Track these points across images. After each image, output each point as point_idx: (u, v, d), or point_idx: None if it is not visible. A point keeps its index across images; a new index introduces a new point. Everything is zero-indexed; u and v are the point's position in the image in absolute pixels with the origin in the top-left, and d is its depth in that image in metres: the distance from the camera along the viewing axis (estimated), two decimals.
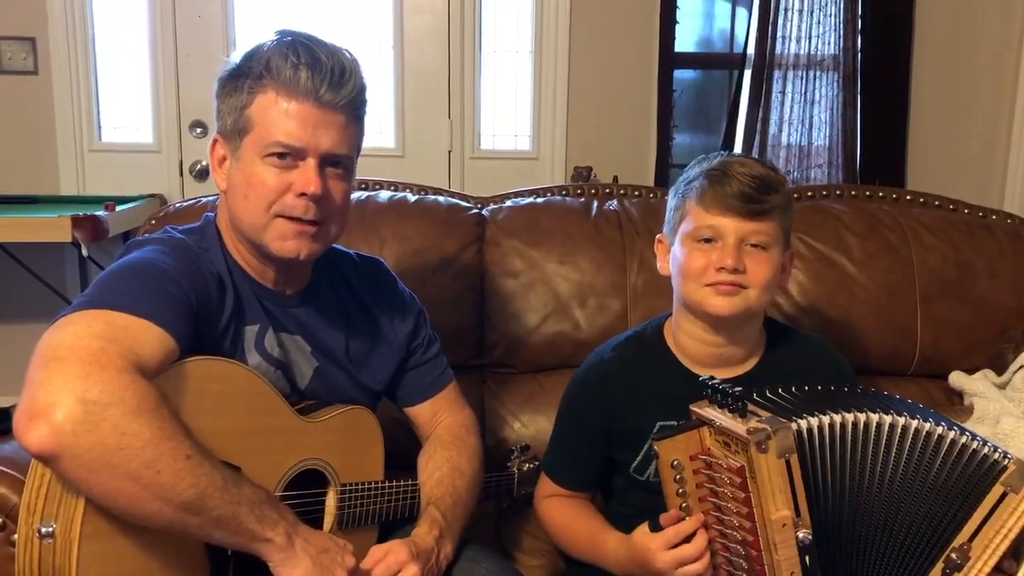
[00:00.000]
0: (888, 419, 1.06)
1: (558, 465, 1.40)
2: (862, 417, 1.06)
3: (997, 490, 1.03)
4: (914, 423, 1.06)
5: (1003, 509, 1.03)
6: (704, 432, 1.07)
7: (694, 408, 1.08)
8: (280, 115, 1.08)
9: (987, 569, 1.03)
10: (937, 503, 1.06)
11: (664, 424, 1.25)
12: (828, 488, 1.05)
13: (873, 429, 1.06)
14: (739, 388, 1.04)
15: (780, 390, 1.11)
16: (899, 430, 1.06)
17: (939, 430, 1.06)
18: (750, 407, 1.04)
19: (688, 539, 1.10)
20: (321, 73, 1.08)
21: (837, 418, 1.05)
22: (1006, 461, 1.04)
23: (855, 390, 1.17)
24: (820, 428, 1.04)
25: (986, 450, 1.05)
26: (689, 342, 1.30)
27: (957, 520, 1.05)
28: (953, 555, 1.04)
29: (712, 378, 1.07)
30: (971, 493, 1.05)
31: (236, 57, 1.13)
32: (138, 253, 1.08)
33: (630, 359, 1.34)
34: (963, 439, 1.06)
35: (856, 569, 1.08)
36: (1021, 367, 1.64)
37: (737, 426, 1.01)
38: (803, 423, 1.03)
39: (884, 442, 1.06)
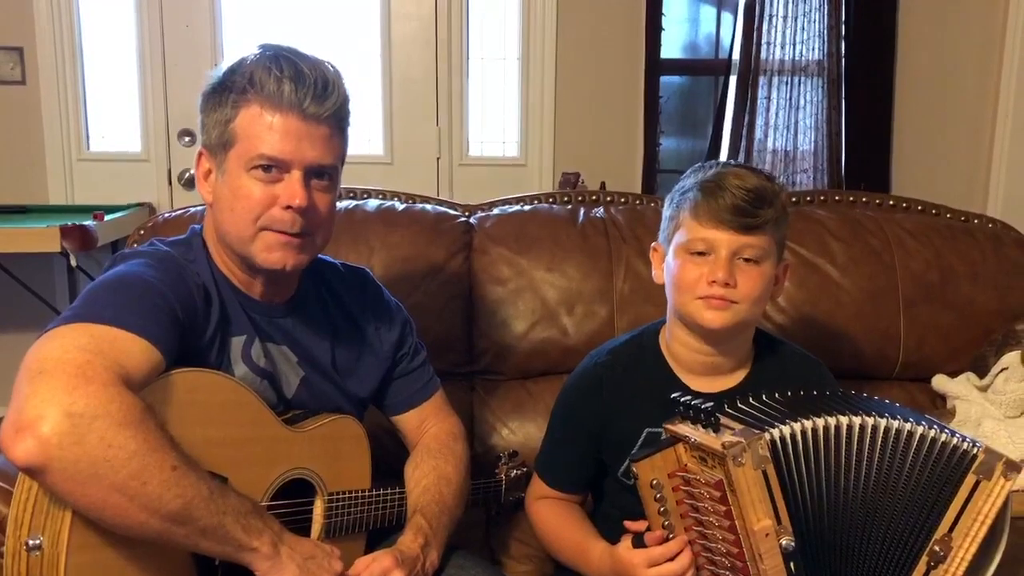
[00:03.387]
0: (858, 420, 1.08)
1: (549, 466, 1.41)
2: (832, 421, 1.07)
3: (970, 479, 1.06)
4: (883, 422, 1.08)
5: (978, 497, 1.05)
6: (680, 449, 1.08)
7: (668, 426, 1.09)
8: (265, 128, 1.09)
9: (968, 557, 1.06)
10: (914, 498, 1.08)
11: (651, 431, 1.27)
12: (806, 493, 1.06)
13: (844, 431, 1.07)
14: (710, 404, 1.05)
15: (751, 399, 1.12)
16: (869, 430, 1.08)
17: (908, 427, 1.08)
18: (722, 421, 1.05)
19: (672, 558, 1.11)
20: (305, 86, 1.09)
21: (808, 424, 1.06)
22: (975, 450, 1.07)
23: (824, 393, 1.18)
24: (792, 436, 1.05)
25: (955, 441, 1.08)
26: (681, 350, 1.31)
27: (935, 513, 1.07)
28: (936, 548, 1.07)
29: (683, 395, 1.08)
30: (946, 485, 1.07)
31: (219, 71, 1.14)
32: (124, 266, 1.08)
33: (624, 364, 1.35)
34: (932, 433, 1.08)
35: (842, 571, 1.09)
36: (1002, 370, 1.66)
37: (711, 441, 1.02)
38: (775, 432, 1.04)
39: (856, 443, 1.08)
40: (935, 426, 1.09)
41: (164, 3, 3.07)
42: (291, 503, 1.16)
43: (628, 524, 1.20)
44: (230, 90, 1.11)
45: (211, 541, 0.96)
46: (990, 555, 1.09)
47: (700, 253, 1.23)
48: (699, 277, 1.22)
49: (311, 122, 1.10)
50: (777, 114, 3.11)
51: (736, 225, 1.20)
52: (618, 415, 1.32)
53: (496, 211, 1.87)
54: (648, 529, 1.15)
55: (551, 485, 1.39)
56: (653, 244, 1.35)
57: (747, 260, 1.22)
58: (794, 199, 1.94)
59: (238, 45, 3.04)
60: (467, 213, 1.86)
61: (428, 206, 1.86)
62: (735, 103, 3.12)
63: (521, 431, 1.72)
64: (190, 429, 1.00)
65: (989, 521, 1.05)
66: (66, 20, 3.05)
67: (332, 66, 1.15)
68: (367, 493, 1.24)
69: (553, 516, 1.37)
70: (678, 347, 1.32)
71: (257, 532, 0.99)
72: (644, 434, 1.28)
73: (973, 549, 1.06)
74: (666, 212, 1.31)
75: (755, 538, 1.02)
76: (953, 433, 1.09)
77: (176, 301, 1.05)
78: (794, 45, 3.07)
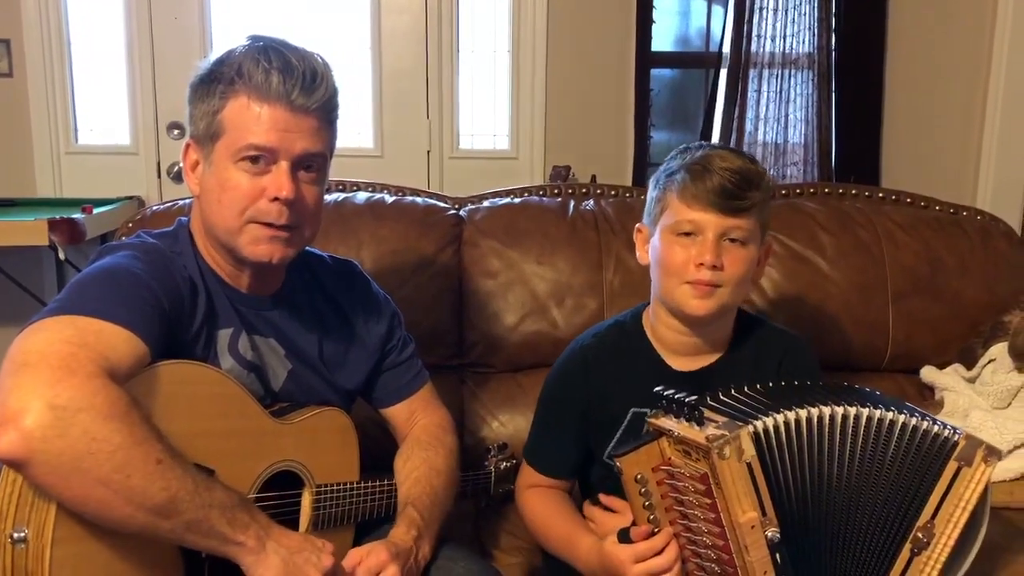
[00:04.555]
0: (840, 410, 1.08)
1: (538, 451, 1.41)
2: (815, 411, 1.08)
3: (952, 466, 1.07)
4: (865, 411, 1.09)
5: (959, 483, 1.07)
6: (664, 443, 1.08)
7: (651, 420, 1.09)
8: (252, 119, 1.09)
9: (951, 543, 1.07)
10: (897, 486, 1.09)
11: (636, 411, 1.27)
12: (790, 484, 1.07)
13: (827, 422, 1.08)
14: (694, 397, 1.05)
15: (733, 390, 1.13)
16: (851, 420, 1.08)
17: (890, 415, 1.09)
18: (706, 414, 1.05)
19: (659, 552, 1.11)
20: (293, 77, 1.09)
21: (791, 415, 1.07)
22: (956, 437, 1.08)
23: (806, 383, 1.19)
24: (776, 427, 1.06)
25: (936, 429, 1.09)
26: (665, 332, 1.32)
27: (918, 501, 1.08)
28: (919, 535, 1.08)
29: (665, 389, 1.08)
30: (928, 472, 1.08)
31: (207, 62, 1.13)
32: (110, 259, 1.08)
33: (609, 346, 1.36)
34: (913, 421, 1.09)
35: (827, 560, 1.10)
36: (990, 361, 1.67)
37: (695, 434, 1.02)
38: (759, 424, 1.05)
39: (839, 433, 1.08)
40: (916, 414, 1.10)
41: None
42: (279, 495, 1.16)
43: (602, 498, 1.22)
44: (218, 81, 1.11)
45: (196, 535, 0.96)
46: (970, 541, 1.10)
47: (687, 234, 1.23)
48: (686, 260, 1.23)
49: (299, 113, 1.10)
50: (767, 107, 3.11)
51: (724, 207, 1.21)
52: (604, 396, 1.33)
53: (486, 204, 1.87)
54: (634, 523, 1.16)
55: (539, 470, 1.40)
56: (637, 225, 1.36)
57: (733, 241, 1.23)
58: (784, 192, 1.94)
59: (227, 38, 3.02)
60: (457, 206, 1.86)
61: (418, 199, 1.86)
62: (725, 96, 3.12)
63: (511, 423, 1.73)
64: (176, 421, 1.00)
65: (971, 507, 1.07)
66: (53, 12, 3.02)
67: (321, 58, 1.15)
68: (355, 485, 1.24)
69: (542, 506, 1.37)
70: (662, 328, 1.33)
71: (243, 526, 0.99)
72: (630, 414, 1.28)
73: (955, 535, 1.07)
74: (651, 193, 1.32)
75: (741, 530, 1.02)
76: (934, 421, 1.10)
77: (162, 293, 1.05)
78: (784, 38, 3.06)
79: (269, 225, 1.11)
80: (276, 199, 1.10)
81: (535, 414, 1.44)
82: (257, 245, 1.12)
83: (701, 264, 1.21)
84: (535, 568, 1.52)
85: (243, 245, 1.12)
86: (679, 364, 1.32)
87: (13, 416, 0.85)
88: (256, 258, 1.13)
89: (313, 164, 1.14)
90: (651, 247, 1.30)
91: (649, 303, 1.37)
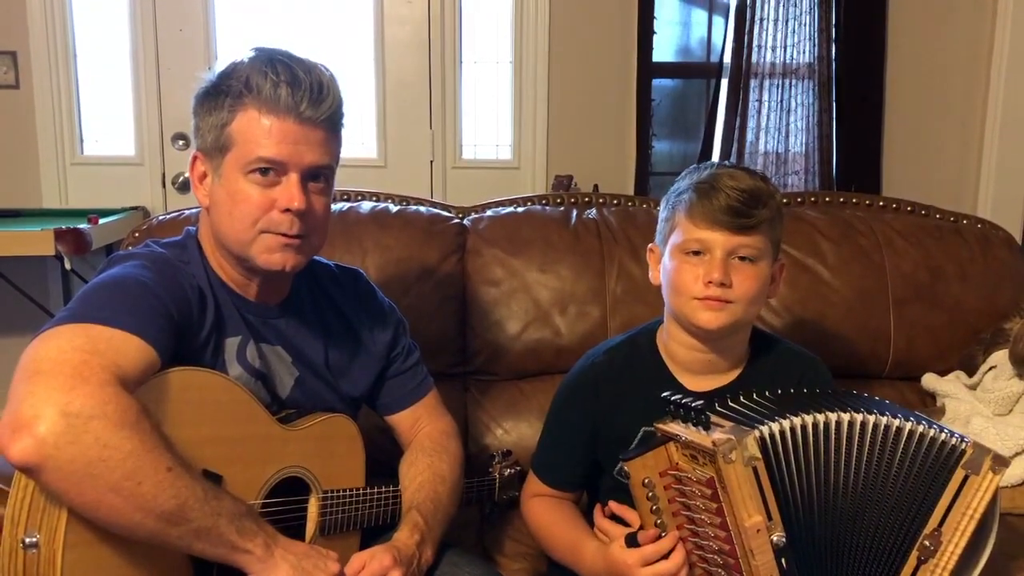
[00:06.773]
0: (847, 417, 1.09)
1: (545, 464, 1.41)
2: (821, 418, 1.08)
3: (959, 474, 1.07)
4: (872, 418, 1.09)
5: (966, 492, 1.07)
6: (671, 448, 1.08)
7: (658, 425, 1.10)
8: (262, 132, 1.10)
9: (958, 551, 1.07)
10: (903, 493, 1.09)
11: (647, 429, 1.28)
12: (796, 489, 1.07)
13: (833, 428, 1.09)
14: (700, 401, 1.06)
15: (741, 397, 1.13)
16: (858, 426, 1.09)
17: (897, 422, 1.09)
18: (712, 419, 1.05)
19: (666, 556, 1.12)
20: (301, 90, 1.10)
21: (797, 421, 1.07)
22: (964, 445, 1.08)
23: (814, 390, 1.20)
24: (782, 432, 1.06)
25: (944, 436, 1.09)
26: (678, 350, 1.32)
27: (925, 508, 1.08)
28: (926, 543, 1.08)
29: (673, 394, 1.08)
30: (935, 480, 1.08)
31: (212, 74, 1.15)
32: (119, 268, 1.09)
33: (621, 363, 1.36)
34: (920, 428, 1.09)
35: (833, 566, 1.10)
36: (991, 368, 1.67)
37: (702, 439, 1.03)
38: (765, 429, 1.05)
39: (846, 439, 1.09)
40: (924, 422, 1.10)
41: (158, 7, 3.07)
42: (285, 501, 1.17)
43: (613, 506, 1.22)
44: (226, 94, 1.12)
45: (205, 542, 0.97)
46: (980, 550, 1.10)
47: (695, 253, 1.24)
48: (695, 278, 1.23)
49: (307, 126, 1.12)
50: (768, 116, 3.12)
51: (731, 225, 1.21)
52: (614, 414, 1.32)
53: (489, 213, 1.88)
54: (641, 527, 1.16)
55: (546, 483, 1.40)
56: (650, 246, 1.36)
57: (742, 259, 1.23)
58: (785, 200, 1.95)
59: (232, 49, 3.04)
60: (460, 215, 1.87)
61: (422, 208, 1.87)
62: (727, 106, 3.13)
63: (515, 431, 1.73)
64: (184, 427, 1.01)
65: (978, 516, 1.07)
66: (59, 24, 3.05)
67: (327, 70, 1.16)
68: (361, 491, 1.25)
69: (547, 514, 1.38)
70: (675, 346, 1.33)
71: (251, 534, 1.00)
72: (640, 433, 1.29)
73: (963, 543, 1.07)
74: (662, 214, 1.33)
75: (746, 534, 1.03)
76: (941, 429, 1.10)
77: (171, 302, 1.06)
78: (785, 48, 3.08)
79: (281, 234, 1.13)
80: (287, 210, 1.12)
81: (544, 426, 1.45)
82: (271, 254, 1.14)
83: (710, 282, 1.21)
84: (539, 574, 1.53)
85: (256, 255, 1.14)
86: (693, 383, 1.31)
87: (27, 423, 0.86)
88: (270, 267, 1.14)
89: (321, 175, 1.16)
90: (662, 267, 1.30)
91: (662, 320, 1.37)
